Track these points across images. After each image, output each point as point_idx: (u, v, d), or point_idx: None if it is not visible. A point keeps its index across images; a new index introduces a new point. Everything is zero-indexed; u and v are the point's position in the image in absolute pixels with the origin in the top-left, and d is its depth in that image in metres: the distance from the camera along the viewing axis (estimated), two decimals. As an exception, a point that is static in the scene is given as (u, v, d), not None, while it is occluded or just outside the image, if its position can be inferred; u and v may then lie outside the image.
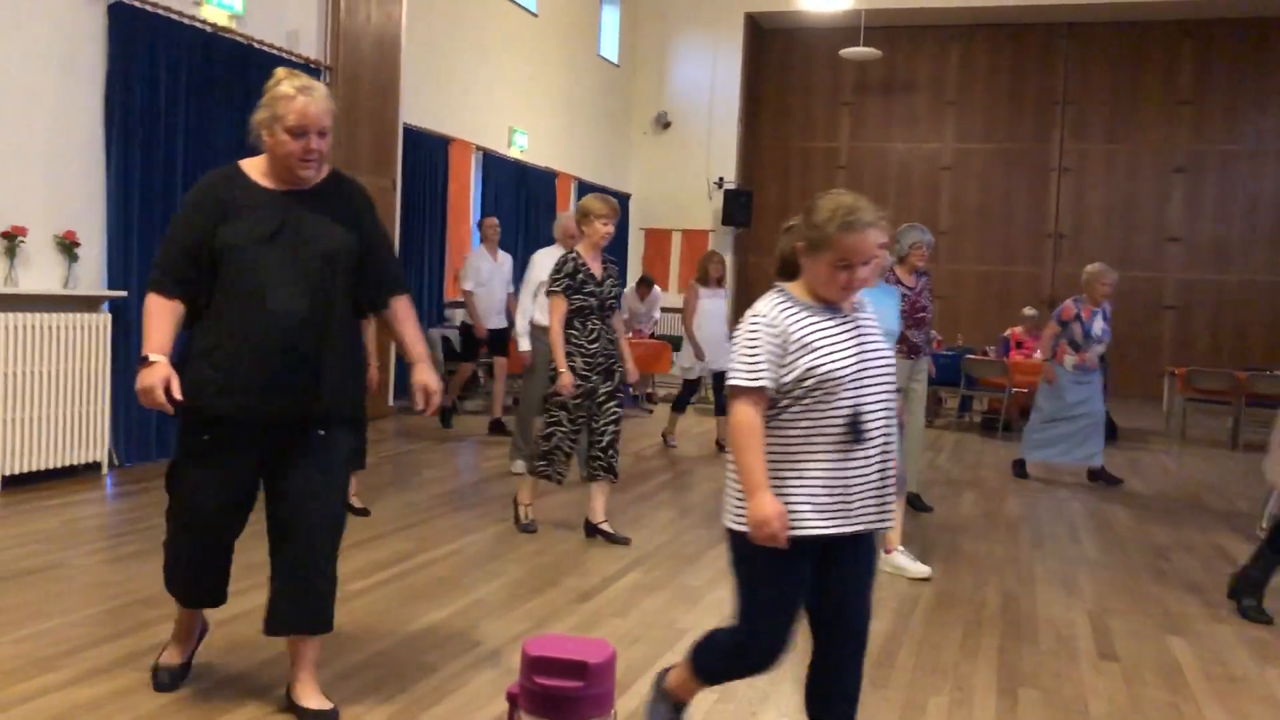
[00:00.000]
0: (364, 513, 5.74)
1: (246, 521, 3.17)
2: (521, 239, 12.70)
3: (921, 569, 5.05)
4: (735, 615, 2.70)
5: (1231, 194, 15.22)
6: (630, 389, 11.46)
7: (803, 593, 2.66)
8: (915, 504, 6.47)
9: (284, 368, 2.96)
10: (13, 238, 6.04)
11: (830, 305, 2.64)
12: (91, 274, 6.65)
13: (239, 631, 3.78)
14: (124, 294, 6.70)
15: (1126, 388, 14.49)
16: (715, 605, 4.43)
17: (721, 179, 15.91)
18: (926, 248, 5.95)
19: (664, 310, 12.71)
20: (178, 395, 2.89)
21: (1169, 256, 15.40)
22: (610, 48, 15.49)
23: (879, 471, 2.60)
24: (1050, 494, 7.54)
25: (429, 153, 10.68)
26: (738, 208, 15.65)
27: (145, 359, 2.90)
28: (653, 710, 2.91)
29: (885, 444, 2.60)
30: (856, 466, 2.56)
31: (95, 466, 6.52)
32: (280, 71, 3.13)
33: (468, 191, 11.65)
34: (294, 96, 3.00)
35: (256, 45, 7.85)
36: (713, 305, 8.81)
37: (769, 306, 2.63)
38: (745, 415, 2.54)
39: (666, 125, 16.19)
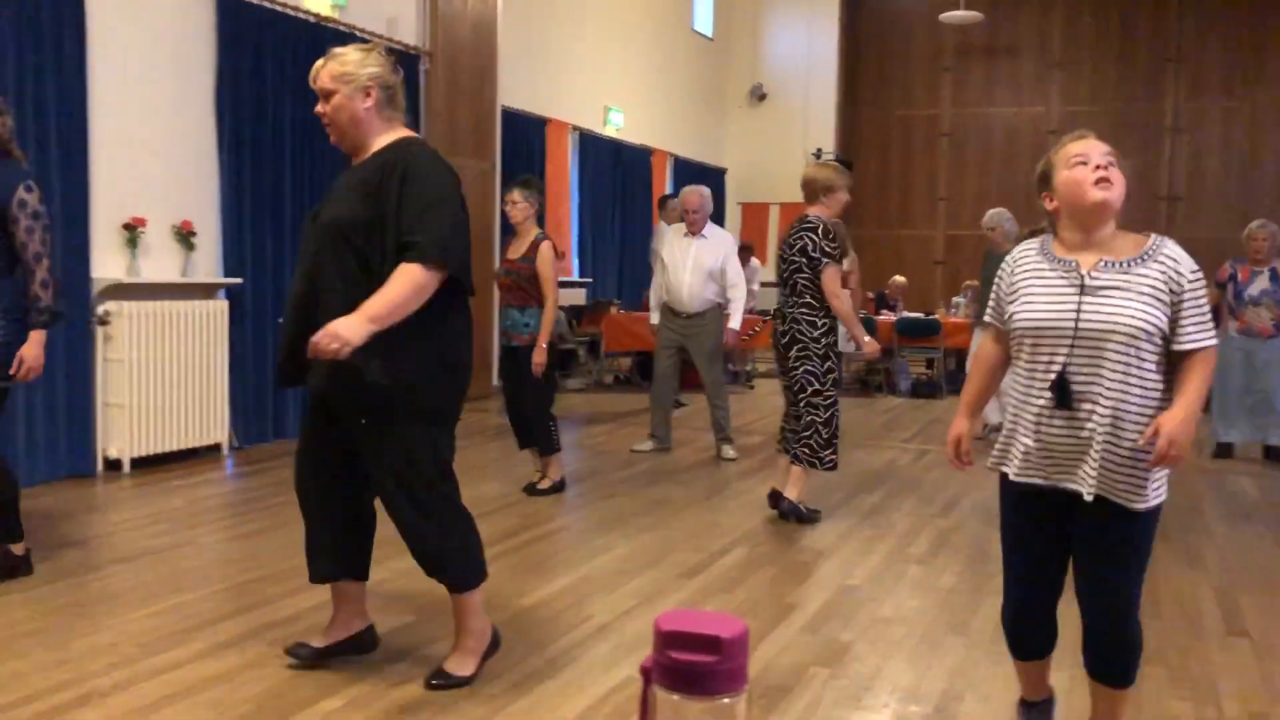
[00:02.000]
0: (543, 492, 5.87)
1: (344, 497, 3.27)
2: (618, 217, 12.74)
3: None
4: None
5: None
6: (731, 365, 11.43)
7: (1033, 547, 2.70)
8: None
9: (297, 350, 3.01)
10: (133, 229, 6.27)
11: (1066, 260, 2.58)
12: (208, 262, 6.88)
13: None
14: (239, 281, 6.92)
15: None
16: (823, 581, 4.40)
17: (820, 150, 15.70)
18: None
19: (764, 285, 12.63)
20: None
21: (1294, 217, 14.72)
22: (704, 21, 15.39)
23: (1091, 439, 2.51)
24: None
25: (526, 134, 10.77)
26: (849, 175, 15.41)
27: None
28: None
29: (1101, 409, 2.50)
30: (1059, 427, 2.54)
31: (216, 448, 6.76)
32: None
33: (565, 172, 11.73)
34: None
35: (358, 33, 7.99)
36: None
37: (1015, 250, 2.73)
38: (980, 345, 2.84)
39: (762, 97, 16.04)
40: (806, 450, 5.25)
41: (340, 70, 3.06)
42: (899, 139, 16.46)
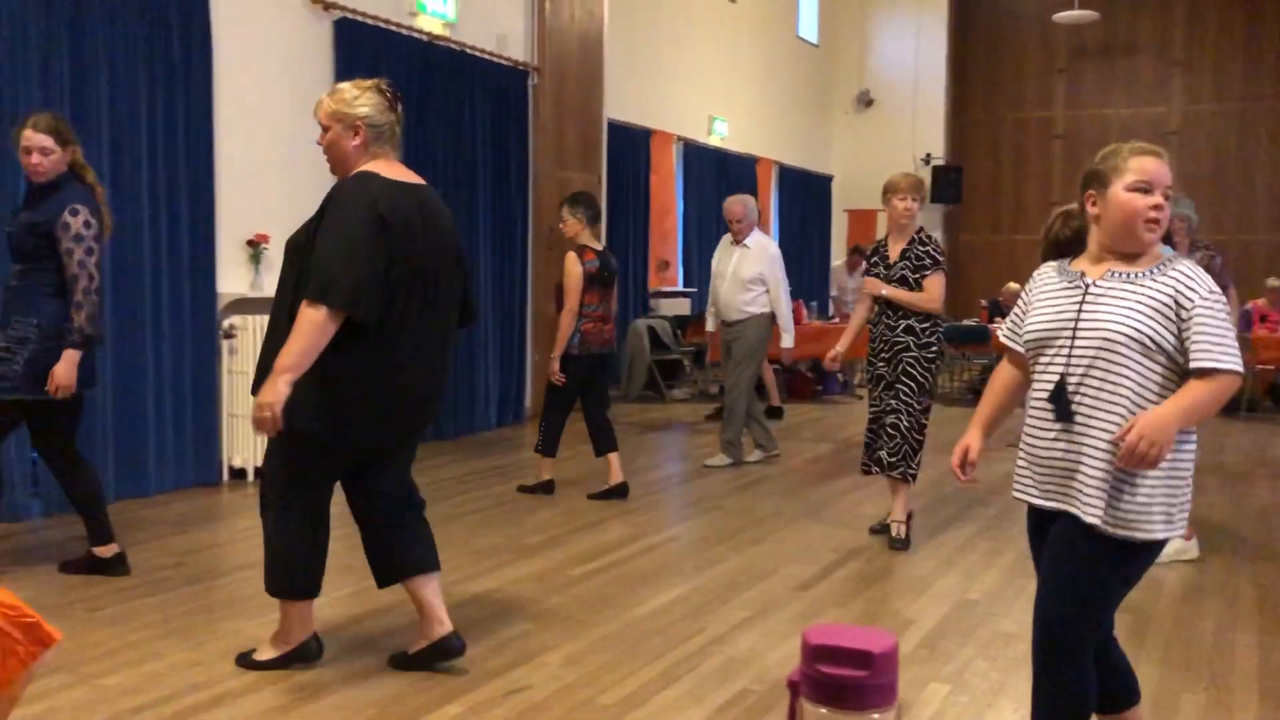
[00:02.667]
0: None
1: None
2: (723, 227, 12.68)
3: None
4: None
5: None
6: (840, 375, 11.28)
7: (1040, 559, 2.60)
8: None
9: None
10: (256, 245, 6.49)
11: (1076, 274, 2.51)
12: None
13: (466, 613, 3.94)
14: (355, 294, 7.09)
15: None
16: (941, 595, 4.31)
17: (929, 155, 15.44)
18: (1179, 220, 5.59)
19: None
20: None
21: None
22: (809, 28, 15.28)
23: (1080, 453, 2.41)
24: (1305, 479, 6.97)
25: (632, 146, 10.82)
26: (946, 184, 15.16)
27: None
28: None
29: (1094, 424, 2.39)
30: (1050, 440, 2.47)
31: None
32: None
33: (670, 182, 11.75)
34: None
35: (469, 51, 8.15)
36: None
37: (1036, 272, 2.67)
38: (998, 365, 2.79)
39: (869, 103, 15.85)
40: (905, 464, 5.17)
41: (334, 108, 3.24)
42: (1010, 142, 16.08)
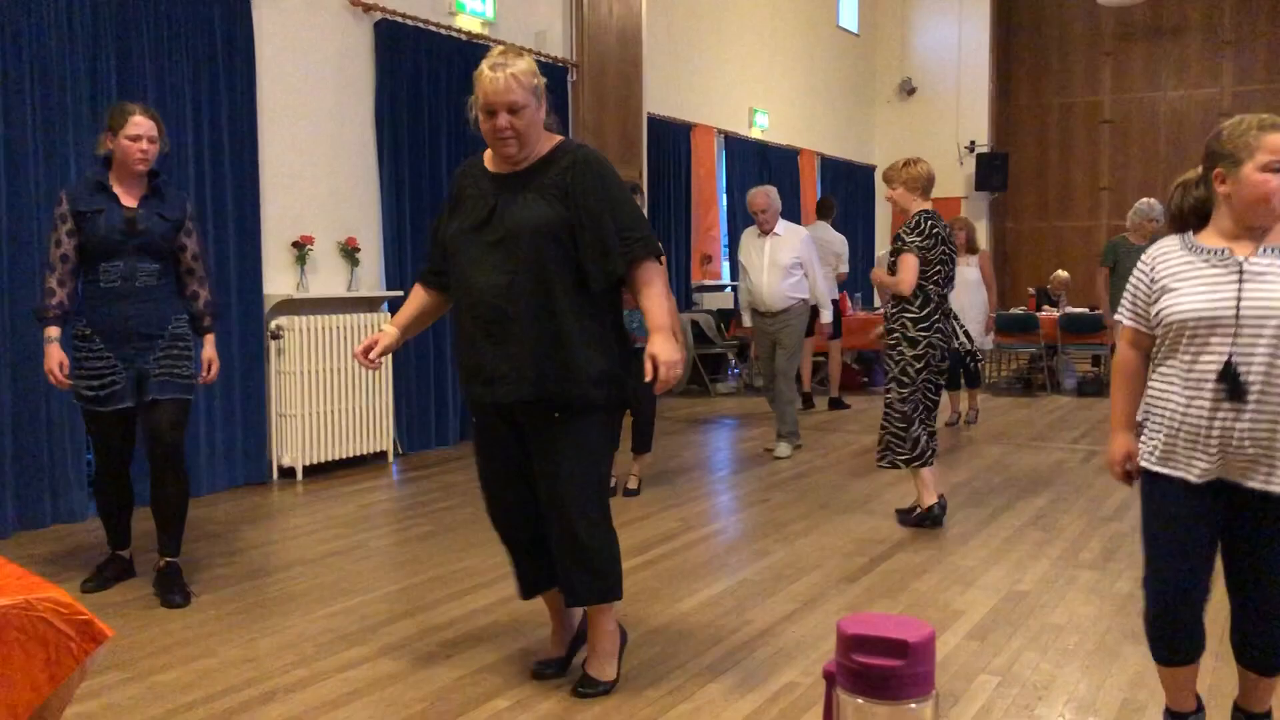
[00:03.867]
0: (633, 493, 5.91)
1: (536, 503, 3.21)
2: (767, 219, 12.64)
3: None
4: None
5: None
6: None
7: (1192, 545, 2.57)
8: None
9: (491, 352, 3.03)
10: (302, 246, 6.57)
11: (1219, 250, 2.50)
12: (371, 277, 7.14)
13: (519, 609, 3.96)
14: (400, 294, 7.16)
15: None
16: (990, 586, 4.27)
17: (973, 143, 15.27)
18: None
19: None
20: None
21: None
22: (849, 17, 15.16)
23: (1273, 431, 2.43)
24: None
25: (673, 140, 10.81)
26: (992, 171, 14.97)
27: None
28: None
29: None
30: (1217, 419, 2.46)
31: (382, 455, 7.01)
32: (496, 47, 3.15)
33: (712, 176, 11.72)
34: (484, 73, 2.99)
35: (500, 47, 8.18)
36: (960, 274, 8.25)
37: (1153, 248, 2.63)
38: (1120, 353, 2.72)
39: (911, 92, 15.70)
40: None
41: (521, 83, 2.98)
42: (1057, 128, 15.85)
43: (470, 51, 7.76)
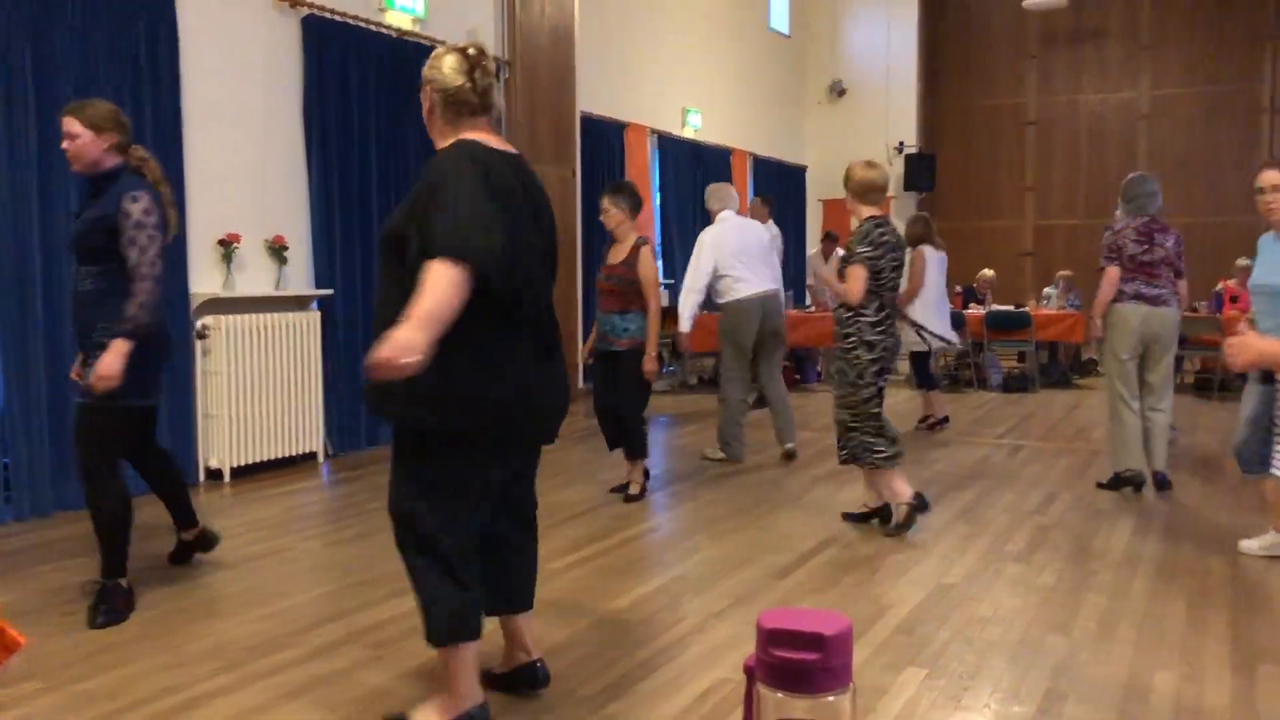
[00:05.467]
0: (635, 498, 5.85)
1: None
2: (700, 219, 12.71)
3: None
4: None
5: None
6: (818, 368, 11.34)
7: None
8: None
9: (542, 371, 2.89)
10: (228, 245, 6.45)
11: None
12: (300, 275, 7.04)
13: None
14: (329, 292, 7.07)
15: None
16: (918, 580, 4.34)
17: (902, 144, 15.49)
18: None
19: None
20: None
21: (1404, 195, 14.09)
22: (781, 19, 15.30)
23: None
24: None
25: (606, 139, 10.81)
26: (920, 172, 15.22)
27: None
28: None
29: None
30: None
31: (312, 456, 6.91)
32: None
33: (645, 175, 11.75)
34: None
35: (440, 46, 8.11)
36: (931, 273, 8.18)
37: None
38: None
39: (842, 93, 15.88)
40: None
41: (424, 73, 2.98)
42: (983, 129, 16.15)
43: (400, 49, 7.69)
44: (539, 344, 2.88)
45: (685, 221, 12.46)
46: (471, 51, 2.98)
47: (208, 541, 4.65)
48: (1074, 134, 15.63)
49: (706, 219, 7.27)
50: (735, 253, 6.86)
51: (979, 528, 5.18)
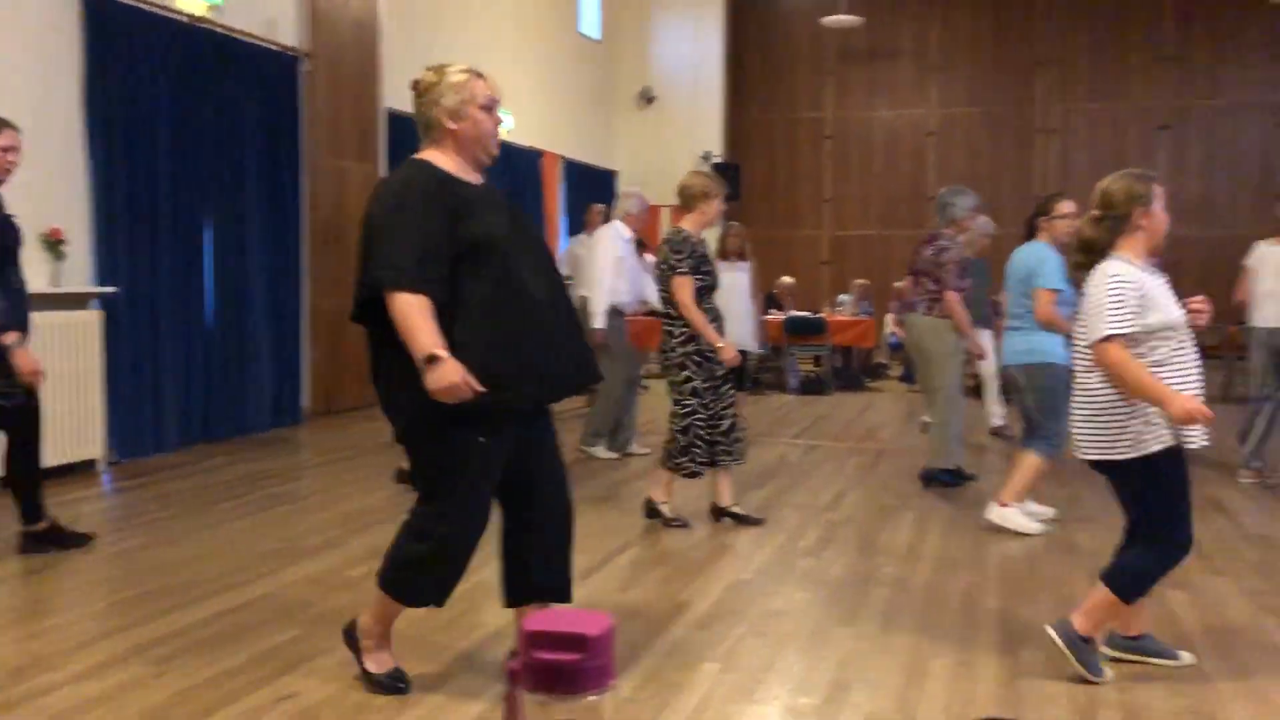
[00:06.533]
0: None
1: None
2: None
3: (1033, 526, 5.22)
4: (1160, 527, 3.33)
5: (1215, 150, 15.23)
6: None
7: None
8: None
9: (545, 354, 3.09)
10: (-4, 237, 6.00)
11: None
12: (79, 271, 6.62)
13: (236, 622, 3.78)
14: (114, 290, 6.68)
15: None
16: (715, 577, 4.45)
17: (708, 153, 15.86)
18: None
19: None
20: (478, 388, 2.90)
21: (1157, 214, 15.42)
22: (591, 24, 15.41)
23: None
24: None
25: (414, 136, 10.57)
26: (726, 182, 15.60)
27: (434, 357, 2.86)
28: (1080, 658, 3.33)
29: None
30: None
31: (91, 464, 6.51)
32: (429, 69, 3.28)
33: (453, 174, 11.59)
34: (477, 76, 3.21)
35: (235, 35, 7.80)
36: (731, 280, 8.46)
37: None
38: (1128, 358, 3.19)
39: (651, 100, 16.13)
40: (665, 455, 5.31)
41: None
42: (785, 142, 16.72)
43: (194, 36, 7.34)
44: None
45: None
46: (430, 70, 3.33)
47: None
48: (869, 149, 16.38)
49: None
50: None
51: (774, 525, 5.37)
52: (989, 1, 15.81)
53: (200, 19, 7.44)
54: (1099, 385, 3.30)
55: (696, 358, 5.17)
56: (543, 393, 3.16)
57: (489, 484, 3.15)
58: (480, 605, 4.05)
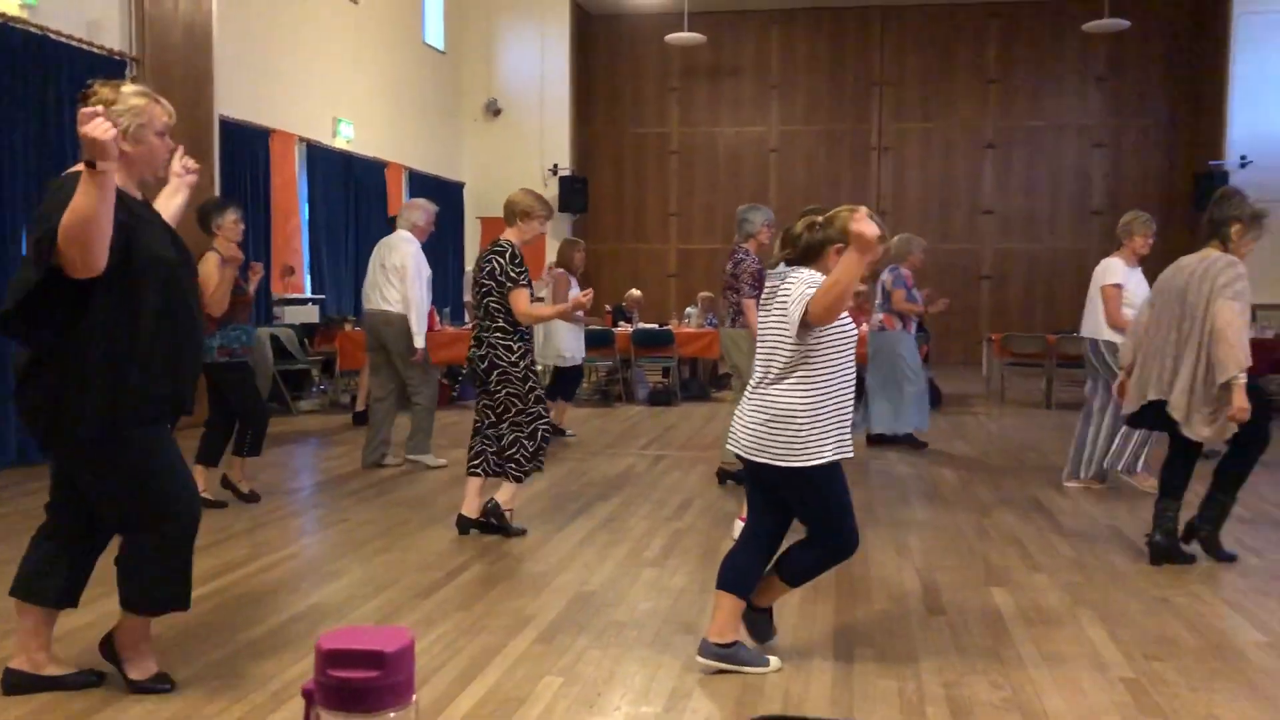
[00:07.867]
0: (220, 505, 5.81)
1: None
2: (351, 232, 12.41)
3: None
4: (827, 529, 3.46)
5: (1037, 168, 16.12)
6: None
7: None
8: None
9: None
10: None
11: None
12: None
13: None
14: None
15: (948, 355, 15.17)
16: (560, 589, 4.45)
17: (556, 166, 15.89)
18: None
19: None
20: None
21: (983, 229, 16.20)
22: (435, 35, 15.25)
23: None
24: (880, 457, 7.84)
25: (249, 145, 10.31)
26: (574, 194, 15.68)
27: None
28: (735, 660, 3.50)
29: None
30: None
31: (-107, 491, 6.07)
32: (104, 83, 3.14)
33: (292, 185, 11.31)
34: (157, 101, 3.16)
35: (52, 36, 7.42)
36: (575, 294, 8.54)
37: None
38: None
39: (497, 112, 16.06)
40: (514, 466, 5.32)
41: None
42: (632, 156, 16.90)
43: (7, 37, 6.95)
44: None
45: (336, 234, 12.13)
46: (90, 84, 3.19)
47: None
48: (713, 164, 16.70)
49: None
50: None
51: (620, 535, 5.40)
52: (827, 24, 16.36)
53: (14, 19, 7.06)
54: (778, 394, 3.40)
55: (535, 368, 5.35)
56: (189, 401, 3.27)
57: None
58: (317, 627, 3.94)
